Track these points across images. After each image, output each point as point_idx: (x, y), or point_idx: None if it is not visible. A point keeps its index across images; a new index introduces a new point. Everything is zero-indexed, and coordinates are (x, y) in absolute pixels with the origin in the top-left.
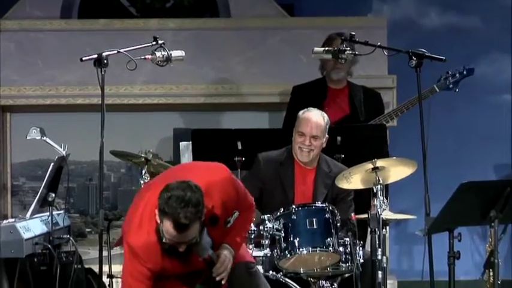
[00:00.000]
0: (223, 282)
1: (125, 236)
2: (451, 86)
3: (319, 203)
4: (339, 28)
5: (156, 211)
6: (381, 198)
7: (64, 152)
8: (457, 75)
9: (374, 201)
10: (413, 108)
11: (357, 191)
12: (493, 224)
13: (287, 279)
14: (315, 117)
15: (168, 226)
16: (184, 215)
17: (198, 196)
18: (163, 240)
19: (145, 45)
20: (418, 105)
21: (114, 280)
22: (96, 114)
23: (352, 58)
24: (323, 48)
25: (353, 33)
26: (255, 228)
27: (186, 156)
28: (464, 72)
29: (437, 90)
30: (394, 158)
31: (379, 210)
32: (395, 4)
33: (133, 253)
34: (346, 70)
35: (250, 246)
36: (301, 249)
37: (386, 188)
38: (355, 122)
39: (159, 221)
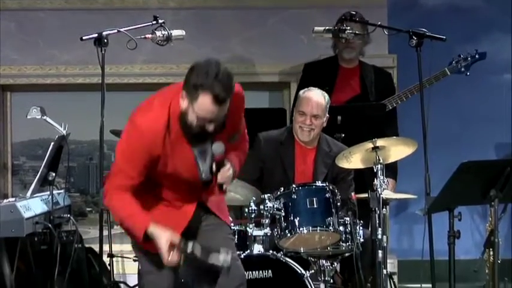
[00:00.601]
0: (224, 186)
1: (131, 116)
2: (462, 69)
3: (320, 182)
4: (339, 7)
5: (183, 94)
6: (381, 177)
7: (64, 132)
8: (468, 58)
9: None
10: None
11: (357, 171)
12: (493, 203)
13: (287, 259)
14: (316, 97)
15: (204, 101)
16: (223, 87)
17: (229, 71)
18: (192, 123)
19: (146, 24)
20: (425, 88)
21: (114, 259)
22: (97, 93)
23: (352, 37)
24: (323, 28)
25: (353, 12)
26: (255, 208)
27: None
28: (477, 56)
29: (449, 73)
30: (394, 137)
31: (379, 189)
32: None
33: (135, 127)
34: (358, 49)
35: (251, 226)
36: (301, 229)
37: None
38: (366, 101)
39: (185, 105)
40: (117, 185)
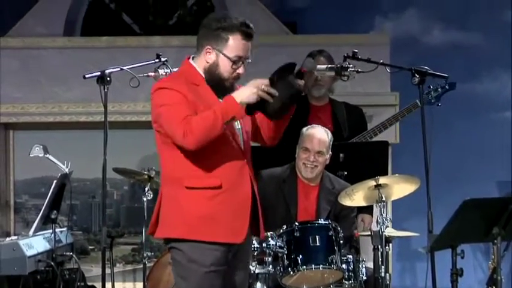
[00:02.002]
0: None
1: (153, 91)
2: (433, 100)
3: (322, 220)
4: (342, 45)
5: (206, 50)
6: (384, 215)
7: (67, 170)
8: (439, 89)
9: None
10: (397, 122)
11: None
12: (495, 241)
13: None
14: (319, 134)
15: (237, 40)
16: (246, 23)
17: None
18: (224, 73)
19: (148, 62)
20: (403, 118)
21: None
22: (99, 131)
23: (354, 75)
24: (326, 66)
25: (355, 50)
26: (258, 245)
27: None
28: (446, 86)
29: (419, 105)
30: (397, 175)
31: (382, 227)
32: (397, 21)
33: (161, 88)
34: (327, 87)
35: (253, 263)
36: (304, 267)
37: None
38: (339, 139)
39: (213, 57)
40: (183, 119)
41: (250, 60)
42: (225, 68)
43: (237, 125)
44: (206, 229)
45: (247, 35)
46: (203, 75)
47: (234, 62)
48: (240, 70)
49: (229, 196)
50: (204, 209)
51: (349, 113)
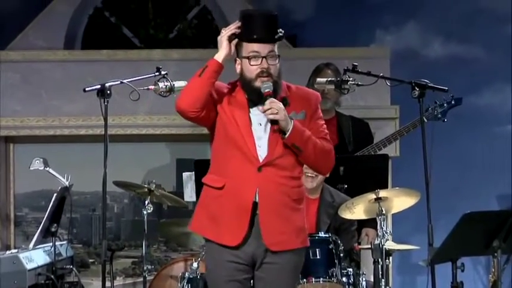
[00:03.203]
0: (269, 116)
1: None
2: (439, 116)
3: (322, 233)
4: (342, 58)
5: (236, 60)
6: (384, 228)
7: (67, 183)
8: (444, 105)
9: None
10: (401, 138)
11: None
12: (496, 254)
13: None
14: None
15: (248, 44)
16: (259, 27)
17: (271, 12)
18: (251, 76)
19: (148, 75)
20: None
21: None
22: (99, 144)
23: (354, 89)
24: (326, 79)
25: (355, 63)
26: None
27: (189, 187)
28: (452, 102)
29: (425, 120)
30: (397, 188)
31: (382, 240)
32: (398, 34)
33: None
34: (333, 100)
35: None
36: (304, 280)
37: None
38: (344, 152)
39: (239, 65)
40: None
41: (277, 53)
42: (247, 68)
43: (258, 132)
44: (208, 226)
45: (261, 39)
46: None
47: (249, 58)
48: (264, 65)
49: (230, 199)
50: (209, 207)
51: (355, 127)
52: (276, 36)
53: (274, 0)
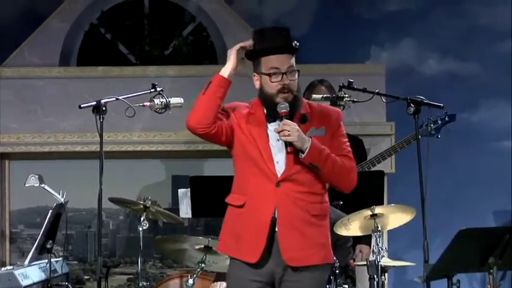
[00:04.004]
0: (282, 138)
1: None
2: (433, 132)
3: None
4: (338, 75)
5: (254, 76)
6: (380, 245)
7: (62, 199)
8: (438, 121)
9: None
10: (396, 154)
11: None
12: (491, 270)
13: None
14: None
15: (266, 59)
16: (275, 40)
17: (283, 27)
18: (271, 91)
19: (144, 92)
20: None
21: None
22: (95, 161)
23: (350, 105)
24: (321, 95)
25: (351, 80)
26: None
27: (185, 203)
28: (446, 118)
29: (419, 136)
30: (393, 204)
31: (377, 257)
32: (393, 51)
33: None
34: None
35: None
36: None
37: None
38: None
39: (258, 81)
40: None
41: (295, 69)
42: (267, 84)
43: (276, 148)
44: (231, 245)
45: (276, 49)
46: (261, 103)
47: (270, 75)
48: (285, 81)
49: (250, 216)
50: (231, 225)
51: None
52: (293, 44)
53: (271, 16)
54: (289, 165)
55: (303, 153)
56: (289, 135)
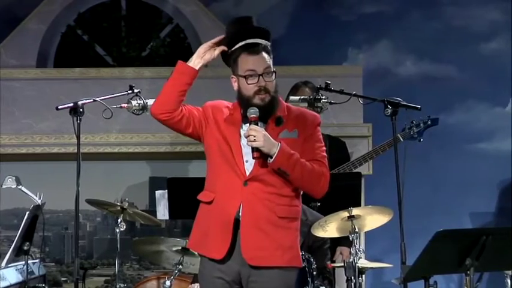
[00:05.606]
0: (248, 143)
1: None
2: (415, 135)
3: None
4: (315, 76)
5: (232, 78)
6: (357, 246)
7: (39, 201)
8: (421, 124)
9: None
10: (377, 156)
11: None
12: (468, 272)
13: None
14: None
15: (243, 59)
16: (248, 22)
17: (259, 27)
18: (248, 93)
19: (121, 93)
20: (384, 152)
21: None
22: (72, 162)
23: (327, 107)
24: (299, 97)
25: (328, 81)
26: None
27: (162, 205)
28: (429, 122)
29: (402, 139)
30: (370, 206)
31: (355, 258)
32: (370, 53)
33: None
34: None
35: None
36: None
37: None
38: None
39: (236, 83)
40: None
41: (273, 69)
42: (244, 86)
43: (247, 147)
44: (200, 241)
45: (252, 51)
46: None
47: (247, 77)
48: (261, 83)
49: (217, 213)
50: (201, 222)
51: (331, 146)
52: (265, 28)
53: None
54: (257, 166)
55: (272, 158)
56: (254, 140)
